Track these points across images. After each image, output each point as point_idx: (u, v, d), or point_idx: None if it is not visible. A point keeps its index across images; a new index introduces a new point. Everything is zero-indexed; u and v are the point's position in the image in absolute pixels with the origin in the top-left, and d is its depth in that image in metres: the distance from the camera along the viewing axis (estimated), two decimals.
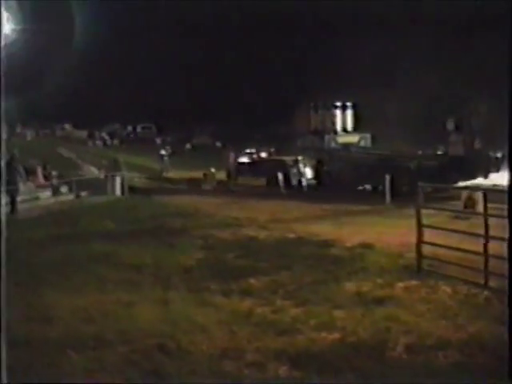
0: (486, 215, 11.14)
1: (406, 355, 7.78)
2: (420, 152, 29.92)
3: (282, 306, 9.88)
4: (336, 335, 8.46)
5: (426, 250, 12.20)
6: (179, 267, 12.91)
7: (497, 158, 27.52)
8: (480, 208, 12.47)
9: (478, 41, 37.60)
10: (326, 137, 32.89)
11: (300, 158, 31.37)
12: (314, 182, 30.09)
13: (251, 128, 52.06)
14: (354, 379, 7.16)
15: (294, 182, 30.57)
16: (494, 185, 21.05)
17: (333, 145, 32.74)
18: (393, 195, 24.90)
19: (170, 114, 61.70)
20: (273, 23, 54.46)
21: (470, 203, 19.15)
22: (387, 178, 24.13)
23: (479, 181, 26.48)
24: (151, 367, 7.42)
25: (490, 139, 27.95)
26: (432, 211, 14.41)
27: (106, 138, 63.71)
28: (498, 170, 26.93)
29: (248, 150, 37.87)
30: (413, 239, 12.31)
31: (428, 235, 12.21)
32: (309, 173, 30.22)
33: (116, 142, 64.20)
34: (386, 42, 43.61)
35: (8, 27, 31.46)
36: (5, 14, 28.76)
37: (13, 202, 22.55)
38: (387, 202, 23.78)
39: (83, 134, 67.94)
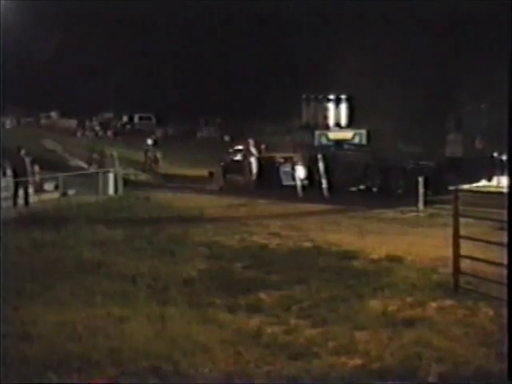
0: None
1: None
2: (417, 151, 30.17)
3: (295, 326, 9.88)
4: (358, 361, 8.44)
5: (464, 265, 12.13)
6: (179, 278, 12.94)
7: (501, 160, 27.70)
8: None
9: (480, 37, 38.17)
10: (316, 132, 32.94)
11: (292, 155, 31.70)
12: (306, 182, 30.39)
13: (259, 122, 52.39)
14: None
15: (286, 182, 30.89)
16: None
17: (324, 141, 32.83)
18: (386, 197, 26.02)
19: (172, 104, 61.83)
20: (266, 16, 55.55)
21: None
22: (420, 180, 24.20)
23: (483, 184, 26.92)
24: None
25: (493, 139, 28.22)
26: (471, 220, 14.47)
27: (98, 128, 63.74)
28: (503, 173, 27.18)
29: (237, 147, 38.18)
30: (448, 252, 12.25)
31: (466, 248, 12.14)
32: (301, 172, 30.48)
33: (109, 133, 64.22)
34: (385, 34, 44.28)
35: None
36: None
37: (26, 195, 25.71)
38: (420, 208, 23.77)
39: (72, 123, 67.96)
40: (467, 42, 40.93)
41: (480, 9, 39.91)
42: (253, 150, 32.77)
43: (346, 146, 32.62)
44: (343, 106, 34.18)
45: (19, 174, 26.10)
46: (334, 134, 33.25)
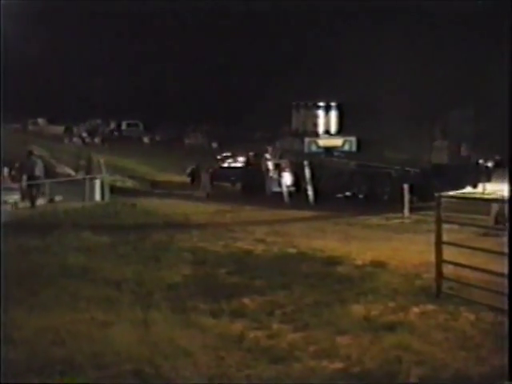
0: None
1: None
2: (403, 158, 30.44)
3: (278, 330, 9.94)
4: (338, 364, 8.52)
5: (448, 270, 12.23)
6: (163, 284, 12.98)
7: (487, 166, 28.03)
8: None
9: (468, 44, 38.69)
10: (306, 139, 33.09)
11: (280, 161, 31.85)
12: (293, 189, 30.55)
13: (247, 128, 52.60)
14: None
15: (273, 188, 31.03)
16: None
17: (313, 148, 32.98)
18: (372, 203, 26.58)
19: (160, 110, 61.90)
20: (256, 23, 55.93)
21: (501, 218, 19.16)
22: (406, 187, 24.40)
23: (468, 191, 27.26)
24: None
25: (478, 147, 28.64)
26: (456, 226, 14.62)
27: (85, 135, 63.70)
28: (489, 180, 27.58)
29: (225, 154, 38.37)
30: (432, 258, 12.36)
31: (450, 254, 12.24)
32: (288, 179, 30.64)
33: (97, 140, 64.20)
34: (374, 41, 44.79)
35: None
36: None
37: (32, 197, 27.16)
38: (405, 214, 23.92)
39: (59, 129, 67.84)
40: (455, 50, 41.28)
41: (471, 12, 40.31)
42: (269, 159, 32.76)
43: (335, 154, 32.79)
44: (333, 114, 34.32)
45: (30, 177, 27.65)
46: (323, 141, 33.40)
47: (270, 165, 32.06)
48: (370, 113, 35.32)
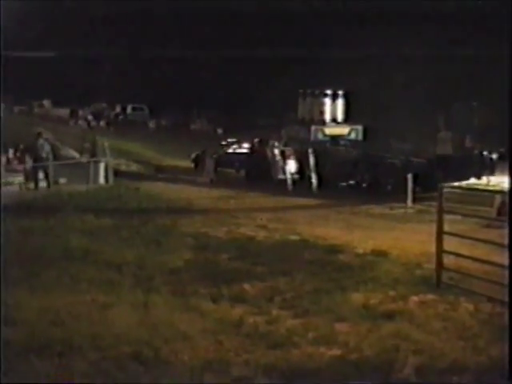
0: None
1: (414, 378, 7.85)
2: (408, 148, 30.40)
3: (277, 316, 9.99)
4: (336, 351, 8.57)
5: (449, 261, 12.26)
6: (165, 268, 13.04)
7: (491, 158, 28.05)
8: None
9: (473, 37, 38.65)
10: (313, 127, 32.97)
11: (284, 149, 31.78)
12: (297, 176, 30.50)
13: (252, 115, 52.58)
14: None
15: (277, 175, 30.99)
16: None
17: (320, 136, 32.85)
18: (376, 193, 26.47)
19: (166, 95, 61.85)
20: (262, 9, 55.87)
21: (504, 210, 19.14)
22: (409, 177, 24.39)
23: (472, 182, 27.24)
24: (123, 377, 7.52)
25: (483, 138, 28.64)
26: (459, 217, 14.68)
27: (91, 118, 63.67)
28: (493, 172, 27.58)
29: (229, 140, 38.29)
30: (433, 248, 12.38)
31: (452, 244, 12.26)
32: (292, 166, 30.58)
33: (102, 123, 64.18)
34: (380, 33, 44.80)
35: None
36: None
37: (47, 177, 27.62)
38: (409, 204, 23.93)
39: (64, 112, 67.82)
40: (459, 42, 41.23)
41: (475, 7, 40.34)
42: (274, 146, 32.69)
43: (342, 142, 32.66)
44: (340, 102, 34.18)
45: (39, 158, 27.94)
46: (330, 130, 33.27)
47: (275, 152, 32.00)
48: (377, 102, 35.33)
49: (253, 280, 12.09)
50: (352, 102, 34.25)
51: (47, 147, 28.71)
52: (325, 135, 33.06)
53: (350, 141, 32.82)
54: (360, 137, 33.31)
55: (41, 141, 28.83)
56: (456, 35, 41.73)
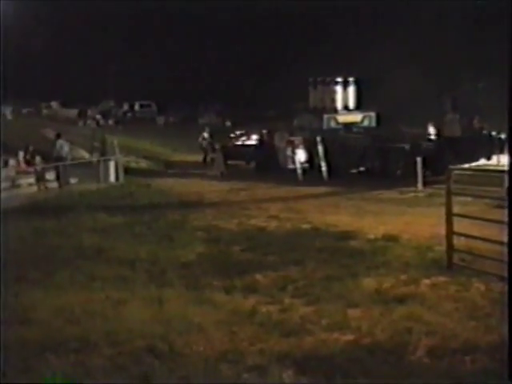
0: None
1: (428, 359, 7.90)
2: (417, 132, 30.35)
3: (290, 305, 10.06)
4: (349, 336, 8.63)
5: (460, 242, 12.28)
6: (177, 262, 13.14)
7: (500, 138, 28.07)
8: None
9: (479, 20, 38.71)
10: (325, 116, 32.84)
11: (293, 138, 31.73)
12: (307, 165, 30.46)
13: (260, 107, 52.57)
14: None
15: (287, 165, 31.00)
16: None
17: (332, 125, 32.73)
18: (386, 178, 26.64)
19: (173, 91, 61.90)
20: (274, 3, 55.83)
21: None
22: (418, 160, 24.41)
23: (482, 163, 27.27)
24: (139, 371, 7.60)
25: (491, 119, 28.62)
26: (469, 199, 14.75)
27: (99, 117, 63.78)
28: (501, 152, 27.61)
29: (238, 132, 38.31)
30: (444, 230, 12.41)
31: (463, 226, 12.29)
32: (302, 156, 30.55)
33: (110, 121, 64.31)
34: (389, 16, 44.78)
35: None
36: None
37: (58, 178, 28.22)
38: (419, 188, 23.97)
39: (73, 112, 67.99)
40: (466, 24, 41.24)
41: None
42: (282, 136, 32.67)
43: (355, 129, 32.53)
44: (351, 89, 33.98)
45: (58, 158, 28.84)
46: (342, 118, 33.11)
47: (284, 141, 32.01)
48: (388, 88, 35.21)
49: (265, 270, 12.16)
50: (364, 89, 34.10)
51: (66, 148, 29.69)
52: (338, 123, 32.93)
53: (364, 128, 32.69)
54: (373, 124, 33.15)
55: (60, 141, 29.79)
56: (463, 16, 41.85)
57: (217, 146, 35.08)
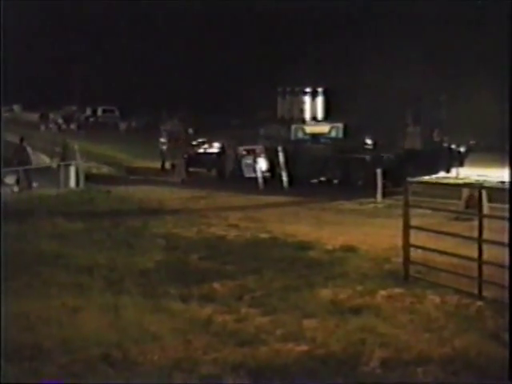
0: (480, 216, 11.39)
1: (380, 370, 8.00)
2: (378, 143, 30.65)
3: (246, 314, 10.11)
4: (304, 347, 8.69)
5: (417, 254, 12.44)
6: (135, 270, 13.11)
7: (459, 151, 28.60)
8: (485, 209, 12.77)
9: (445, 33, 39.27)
10: (293, 126, 32.85)
11: (254, 147, 31.81)
12: (268, 174, 30.54)
13: (224, 115, 52.56)
14: None
15: (248, 174, 31.08)
16: (501, 182, 21.57)
17: (300, 135, 32.81)
18: (346, 188, 26.95)
19: (136, 97, 61.76)
20: (240, 6, 55.92)
21: (472, 202, 19.38)
22: (379, 172, 24.62)
23: (442, 175, 27.74)
24: (93, 379, 7.60)
25: (451, 132, 29.14)
26: (428, 211, 14.94)
27: (61, 121, 63.39)
28: (461, 165, 28.14)
29: (200, 140, 38.31)
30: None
31: (420, 238, 12.44)
32: (263, 164, 30.63)
33: (73, 126, 63.94)
34: (358, 28, 45.20)
35: None
36: None
37: (28, 179, 28.07)
38: (378, 199, 24.15)
39: (34, 116, 67.52)
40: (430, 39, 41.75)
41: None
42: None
43: (322, 140, 32.59)
44: (319, 99, 33.95)
45: (22, 162, 28.35)
46: (310, 128, 33.07)
47: (245, 151, 32.06)
48: (356, 99, 35.37)
49: (223, 279, 12.19)
50: (332, 100, 34.12)
51: (29, 151, 29.49)
52: (305, 134, 32.90)
53: (331, 139, 32.74)
54: (340, 135, 33.15)
55: (23, 145, 29.62)
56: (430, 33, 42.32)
57: (178, 153, 35.01)
